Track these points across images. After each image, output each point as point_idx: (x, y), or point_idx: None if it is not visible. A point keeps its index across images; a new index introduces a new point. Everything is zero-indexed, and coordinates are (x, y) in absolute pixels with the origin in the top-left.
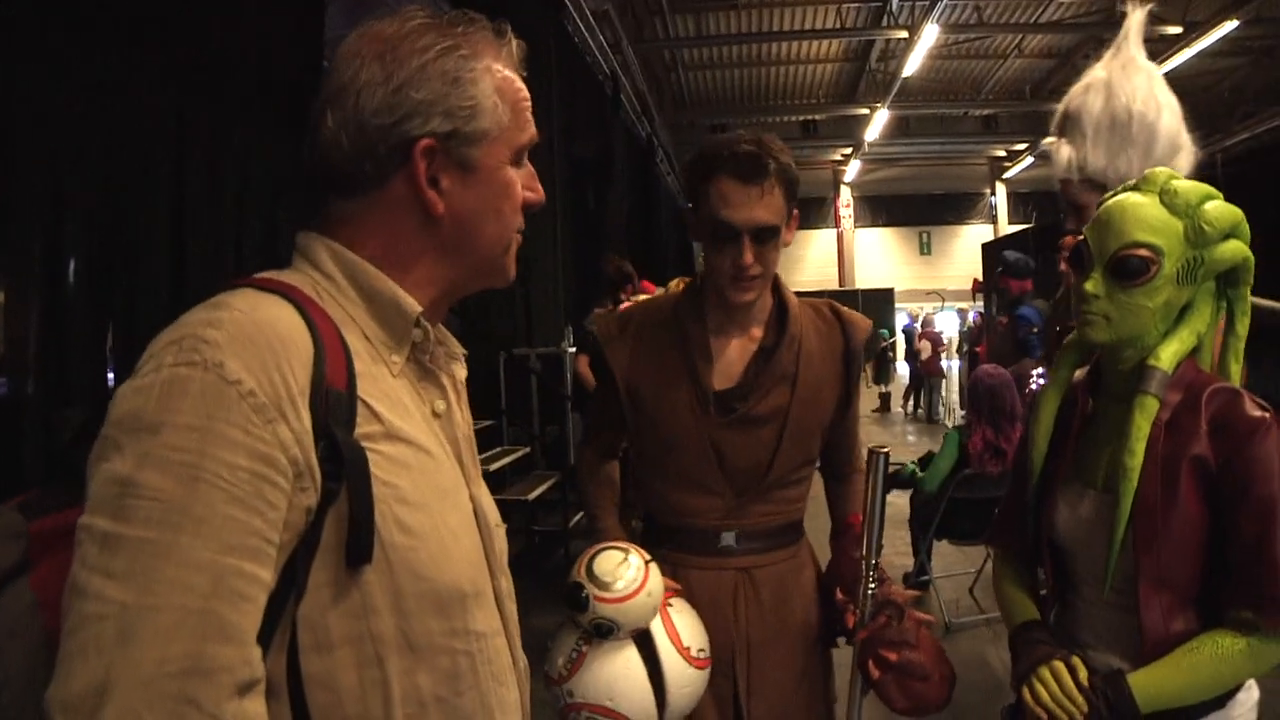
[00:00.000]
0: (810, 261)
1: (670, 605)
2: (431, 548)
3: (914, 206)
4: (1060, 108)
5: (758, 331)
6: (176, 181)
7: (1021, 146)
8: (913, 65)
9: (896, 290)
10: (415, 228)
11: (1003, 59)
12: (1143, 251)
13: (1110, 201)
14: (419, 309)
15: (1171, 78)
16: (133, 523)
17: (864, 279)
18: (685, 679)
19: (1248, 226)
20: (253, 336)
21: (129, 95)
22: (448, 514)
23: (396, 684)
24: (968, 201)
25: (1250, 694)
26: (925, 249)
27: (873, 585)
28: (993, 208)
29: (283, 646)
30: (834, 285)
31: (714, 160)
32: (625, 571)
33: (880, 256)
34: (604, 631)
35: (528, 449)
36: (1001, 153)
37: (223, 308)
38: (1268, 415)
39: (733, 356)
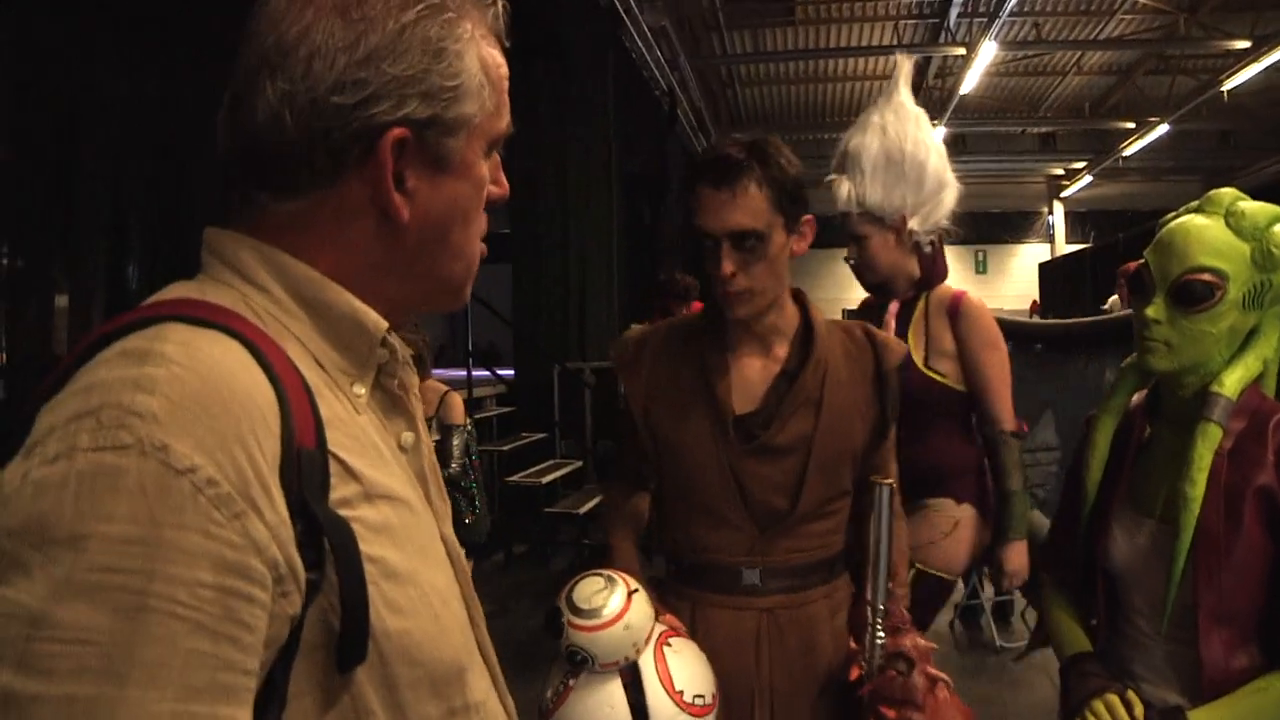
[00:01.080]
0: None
1: (669, 645)
2: (425, 625)
3: (970, 225)
4: (840, 147)
5: (781, 352)
6: None
7: (1080, 165)
8: (970, 82)
9: None
10: (370, 237)
11: (1061, 76)
12: (1207, 276)
13: (1173, 224)
14: (384, 325)
15: (1238, 93)
16: (54, 677)
17: None
18: None
19: None
20: (203, 400)
21: (197, 103)
22: (435, 576)
23: None
24: (1025, 220)
25: None
26: (981, 268)
27: (881, 634)
28: (1050, 227)
29: None
30: None
31: (693, 169)
32: (604, 600)
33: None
34: (578, 661)
35: (580, 463)
36: (1059, 171)
37: (151, 360)
38: None
39: (754, 379)
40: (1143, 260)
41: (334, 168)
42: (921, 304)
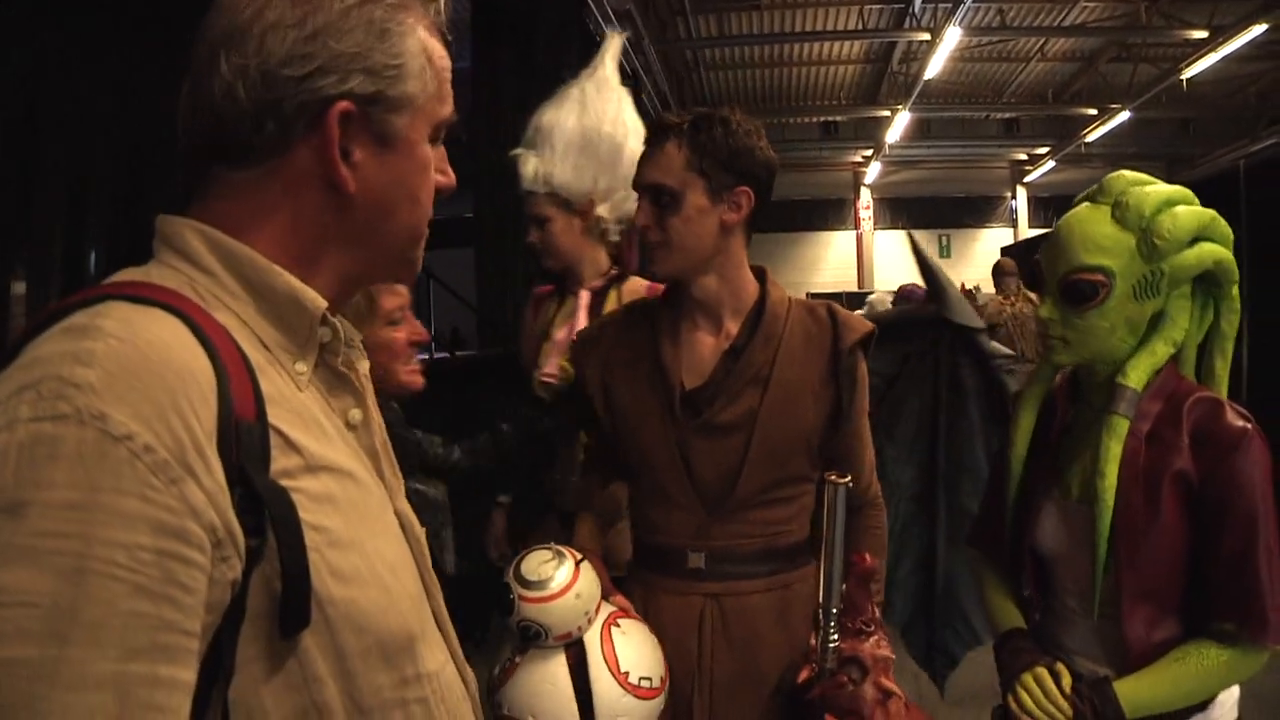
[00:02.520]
0: (829, 263)
1: (617, 625)
2: (372, 594)
3: (934, 209)
4: (533, 121)
5: (734, 329)
6: None
7: (1043, 150)
8: (935, 68)
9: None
10: (319, 209)
11: (1025, 62)
12: (1092, 276)
13: (1064, 219)
14: (323, 305)
15: (1197, 82)
16: (12, 639)
17: (883, 281)
18: (620, 707)
19: (1223, 225)
20: (139, 371)
21: (152, 89)
22: (383, 547)
23: None
24: (988, 205)
25: (1230, 693)
26: (945, 252)
27: (835, 637)
28: (1013, 211)
29: None
30: (853, 287)
31: None
32: (553, 570)
33: (900, 259)
34: (531, 635)
35: None
36: (1023, 156)
37: (90, 335)
38: (1249, 426)
39: (704, 354)
40: (1036, 259)
41: (284, 137)
42: (614, 295)
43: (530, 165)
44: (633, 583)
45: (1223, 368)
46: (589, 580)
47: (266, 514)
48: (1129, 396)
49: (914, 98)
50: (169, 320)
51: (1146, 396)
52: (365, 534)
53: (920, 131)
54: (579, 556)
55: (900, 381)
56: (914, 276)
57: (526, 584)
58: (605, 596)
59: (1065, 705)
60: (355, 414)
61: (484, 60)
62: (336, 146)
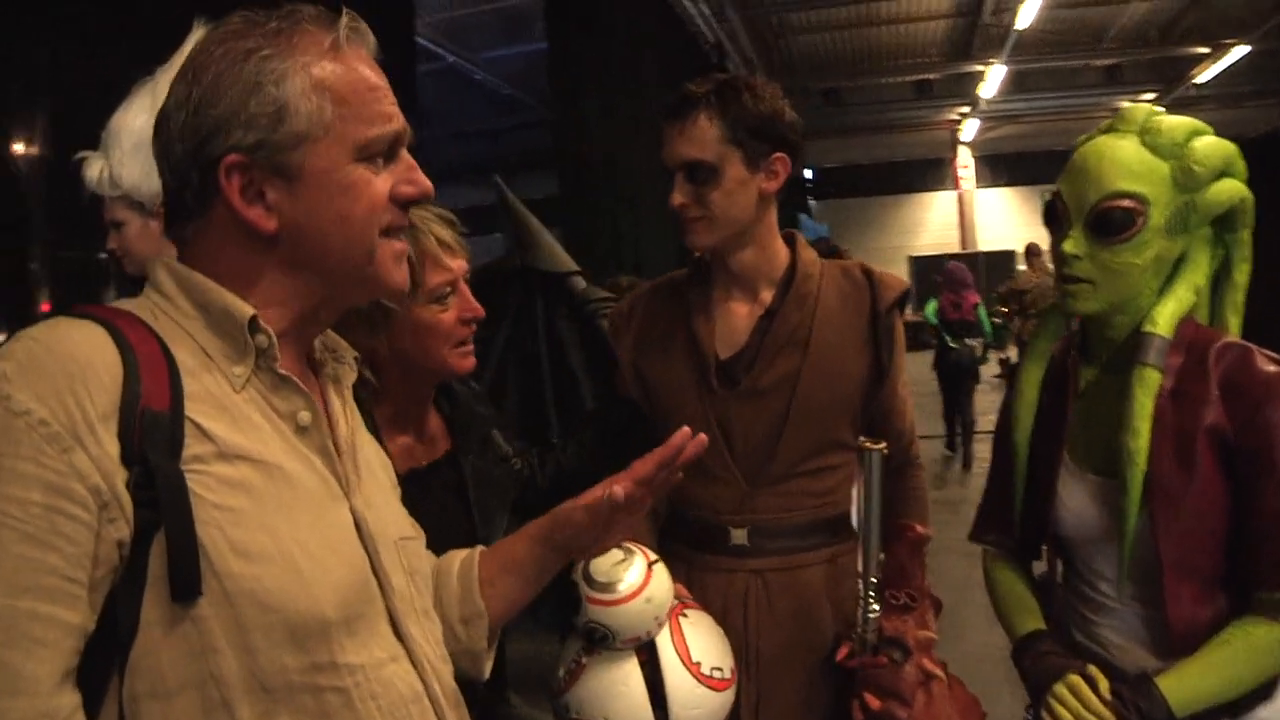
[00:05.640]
0: (931, 225)
1: (684, 616)
2: (279, 574)
3: (1036, 164)
4: (108, 126)
5: (767, 296)
6: None
7: (1149, 96)
8: (1027, 16)
9: (1019, 251)
10: (250, 248)
11: (1125, 2)
12: (1127, 202)
13: (1085, 146)
14: (249, 312)
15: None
16: None
17: (986, 240)
18: (694, 699)
19: (1243, 163)
20: (43, 363)
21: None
22: (304, 535)
23: None
24: None
25: None
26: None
27: (874, 610)
28: None
29: (116, 695)
30: (955, 248)
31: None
32: (624, 572)
33: (1002, 217)
34: (598, 638)
35: None
36: (1127, 103)
37: (20, 338)
38: None
39: (738, 322)
40: (1055, 189)
41: (201, 199)
42: None
43: (95, 168)
44: (674, 561)
45: (1235, 321)
46: (661, 582)
47: (158, 491)
48: (1158, 345)
49: (1008, 50)
50: (91, 328)
51: (1168, 350)
52: (283, 520)
53: (1017, 85)
54: (652, 557)
55: (497, 349)
56: (1016, 235)
57: (595, 585)
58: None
59: (1107, 714)
60: (304, 416)
61: (558, 44)
62: (237, 195)
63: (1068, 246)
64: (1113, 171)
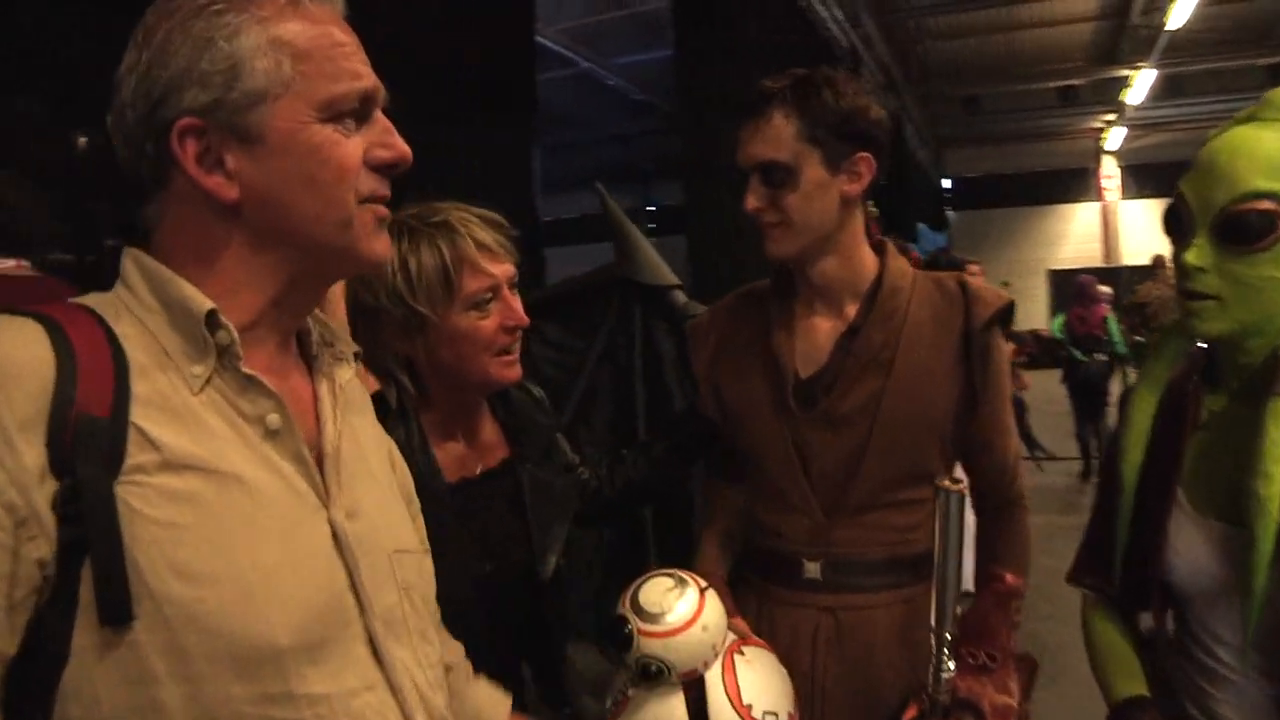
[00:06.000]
0: (1072, 237)
1: (740, 653)
2: (227, 595)
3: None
4: None
5: (852, 310)
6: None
7: None
8: (1180, 16)
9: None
10: (212, 221)
11: None
12: (1266, 204)
13: (1216, 140)
14: (206, 307)
15: None
16: None
17: (1131, 254)
18: None
19: None
20: None
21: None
22: (260, 552)
23: None
24: None
25: None
26: None
27: (948, 668)
28: None
29: None
30: (1098, 262)
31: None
32: (675, 601)
33: (1149, 230)
34: (653, 673)
35: None
36: None
37: None
38: None
39: (820, 339)
40: (1178, 191)
41: (158, 170)
42: None
43: None
44: (745, 590)
45: None
46: (715, 610)
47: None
48: None
49: (1158, 52)
50: (25, 327)
51: None
52: (236, 536)
53: (1168, 89)
54: (703, 584)
55: (593, 358)
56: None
57: (646, 616)
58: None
59: None
60: (273, 419)
61: (686, 49)
62: (193, 162)
63: (1190, 257)
64: (1250, 168)
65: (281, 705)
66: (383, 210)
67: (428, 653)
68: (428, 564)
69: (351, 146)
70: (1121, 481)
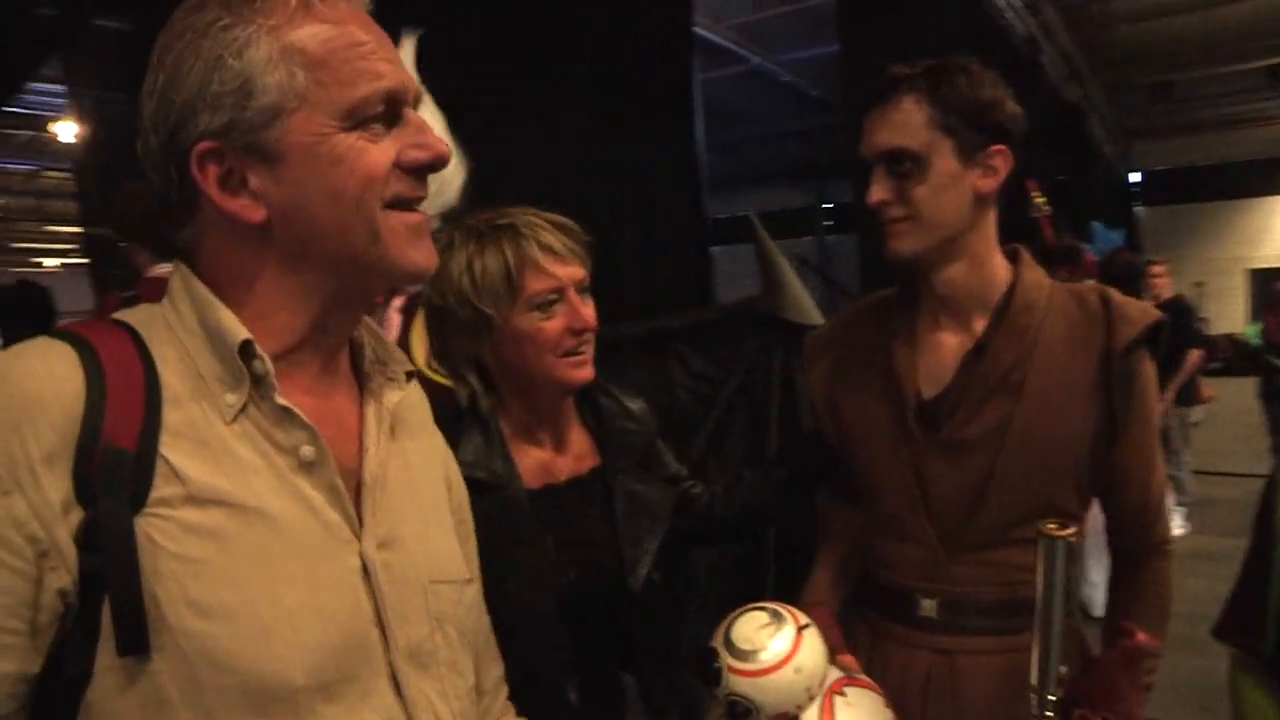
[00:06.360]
0: (1276, 232)
1: (842, 694)
2: (241, 633)
3: None
4: None
5: (980, 324)
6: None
7: None
8: None
9: None
10: (244, 244)
11: None
12: None
13: None
14: (241, 336)
15: None
16: None
17: None
18: None
19: None
20: None
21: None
22: (282, 590)
23: None
24: None
25: None
26: None
27: None
28: None
29: None
30: None
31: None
32: (769, 639)
33: None
34: (739, 712)
35: None
36: None
37: None
38: None
39: (945, 356)
40: None
41: (184, 196)
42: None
43: None
44: (859, 623)
45: None
46: (812, 650)
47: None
48: None
49: None
50: (58, 353)
51: None
52: (257, 573)
53: None
54: (802, 621)
55: (729, 391)
56: None
57: (737, 653)
58: (831, 657)
59: None
60: (307, 451)
61: (851, 44)
62: (214, 186)
63: None
64: None
65: None
66: (414, 217)
67: (456, 684)
68: (470, 592)
69: (378, 153)
70: (1274, 529)
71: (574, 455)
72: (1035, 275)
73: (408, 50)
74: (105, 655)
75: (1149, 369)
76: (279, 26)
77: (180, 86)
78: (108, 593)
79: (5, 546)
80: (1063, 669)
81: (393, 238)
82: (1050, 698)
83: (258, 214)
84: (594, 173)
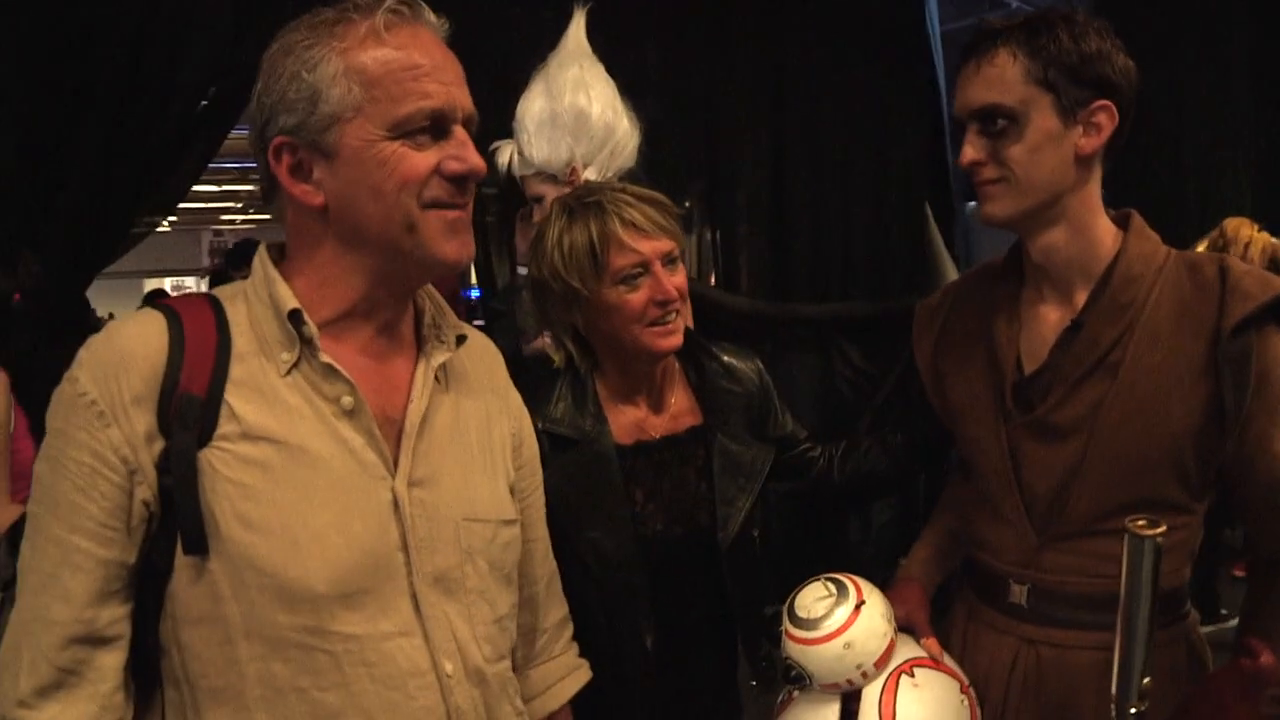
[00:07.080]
0: None
1: (910, 675)
2: (275, 545)
3: None
4: (516, 115)
5: (1081, 297)
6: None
7: None
8: None
9: None
10: (310, 222)
11: None
12: None
13: None
14: (290, 305)
15: None
16: (33, 500)
17: None
18: None
19: None
20: (101, 352)
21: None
22: (313, 512)
23: (250, 667)
24: None
25: None
26: None
27: None
28: None
29: (163, 616)
30: None
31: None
32: (825, 610)
33: None
34: (794, 677)
35: None
36: None
37: (104, 329)
38: None
39: (1045, 331)
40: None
41: (269, 181)
42: None
43: (505, 154)
44: (958, 602)
45: None
46: (867, 628)
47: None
48: None
49: None
50: (150, 320)
51: None
52: (294, 497)
53: None
54: (863, 598)
55: (886, 389)
56: None
57: (795, 620)
58: (917, 638)
59: None
60: (347, 401)
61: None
62: (285, 172)
63: None
64: None
65: (315, 636)
66: (451, 214)
67: (483, 610)
68: (506, 533)
69: (419, 159)
70: None
71: (671, 414)
72: (1145, 244)
73: (577, 25)
74: (179, 555)
75: (1274, 349)
76: (349, 49)
77: (269, 91)
78: (177, 505)
79: (106, 464)
80: (1146, 681)
81: (429, 232)
82: (1132, 710)
83: (318, 199)
84: (823, 119)
